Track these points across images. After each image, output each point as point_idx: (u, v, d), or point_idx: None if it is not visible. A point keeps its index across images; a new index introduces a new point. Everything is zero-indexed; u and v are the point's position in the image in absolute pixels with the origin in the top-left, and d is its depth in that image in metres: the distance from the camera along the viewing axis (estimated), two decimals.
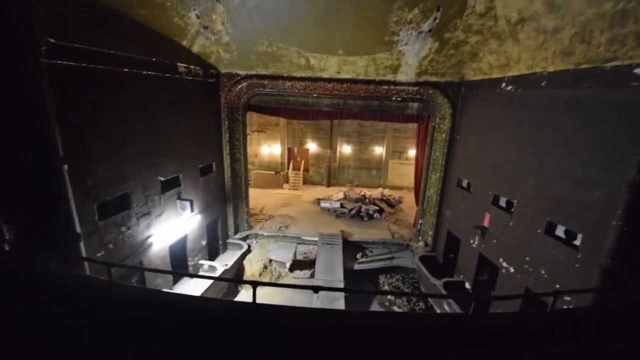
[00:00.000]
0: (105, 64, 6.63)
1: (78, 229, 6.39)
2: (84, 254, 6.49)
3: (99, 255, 6.98)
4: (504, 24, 7.54)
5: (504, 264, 8.56)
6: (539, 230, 7.41)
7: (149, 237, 8.35)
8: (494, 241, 8.95)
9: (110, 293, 3.29)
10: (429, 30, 8.32)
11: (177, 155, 9.24)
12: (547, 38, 6.82)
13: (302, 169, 20.65)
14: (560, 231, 7.14)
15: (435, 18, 7.93)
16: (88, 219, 6.65)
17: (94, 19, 6.32)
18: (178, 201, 9.27)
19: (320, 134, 20.31)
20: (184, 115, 9.56)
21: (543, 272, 7.34)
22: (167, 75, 8.56)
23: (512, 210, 8.37)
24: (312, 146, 20.75)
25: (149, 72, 7.89)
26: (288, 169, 20.99)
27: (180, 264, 10.27)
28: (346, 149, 20.57)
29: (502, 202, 8.95)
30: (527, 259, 7.76)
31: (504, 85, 8.62)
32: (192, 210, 9.35)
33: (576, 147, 6.50)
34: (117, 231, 7.42)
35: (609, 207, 5.78)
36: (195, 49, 9.46)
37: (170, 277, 9.36)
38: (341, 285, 10.39)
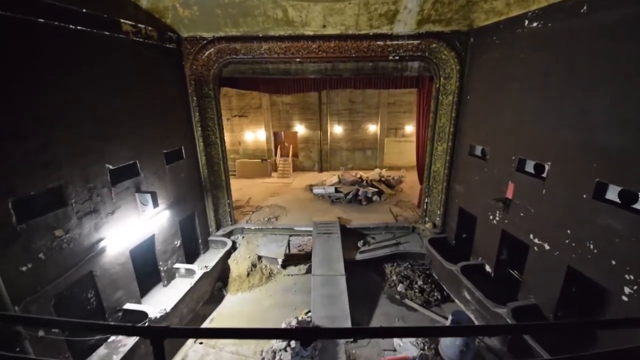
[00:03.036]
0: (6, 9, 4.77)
1: None
2: None
3: (23, 269, 5.24)
4: None
5: (536, 241, 7.14)
6: (585, 195, 5.96)
7: (99, 240, 6.61)
8: (521, 215, 7.51)
9: None
10: None
11: (131, 138, 7.42)
12: None
13: (290, 154, 18.92)
14: (613, 194, 5.70)
15: None
16: None
17: None
18: (137, 194, 7.51)
19: (308, 115, 18.54)
20: (139, 88, 7.72)
21: (592, 246, 5.92)
22: (106, 33, 6.68)
23: (545, 175, 6.91)
24: (300, 129, 18.98)
25: (78, 27, 6.02)
26: (275, 155, 19.24)
27: (150, 270, 8.58)
28: (337, 130, 18.88)
29: (530, 166, 7.48)
30: (568, 232, 6.34)
31: (527, 22, 7.03)
32: (155, 204, 7.61)
33: (637, 81, 5.00)
34: (50, 236, 5.66)
35: None
36: (144, 3, 7.57)
37: (135, 287, 7.66)
38: (343, 279, 8.88)
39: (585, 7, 5.75)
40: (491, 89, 8.39)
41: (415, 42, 9.20)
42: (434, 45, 9.19)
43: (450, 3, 7.95)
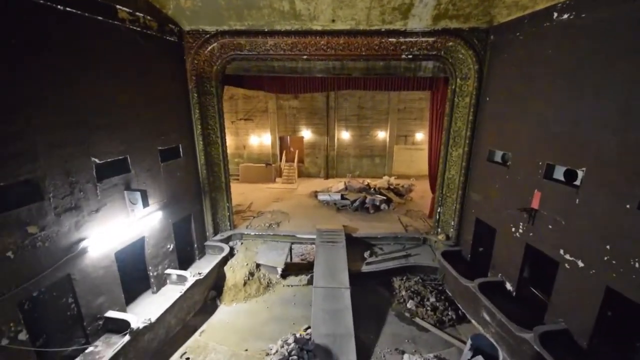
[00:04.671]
0: None
1: None
2: None
3: None
4: None
5: (567, 257, 6.31)
6: (628, 205, 5.17)
7: (80, 240, 6.02)
8: (550, 227, 6.70)
9: None
10: None
11: (122, 132, 6.91)
12: None
13: (296, 160, 18.36)
14: None
15: None
16: None
17: None
18: (126, 192, 6.95)
19: (315, 119, 18.03)
20: (134, 80, 7.26)
21: (637, 264, 5.09)
22: (99, 18, 6.26)
23: (578, 182, 6.13)
24: (306, 134, 18.45)
25: (66, 8, 5.59)
26: (280, 160, 18.70)
27: (138, 275, 7.94)
28: (345, 135, 18.29)
29: (559, 173, 6.70)
30: (607, 247, 5.52)
31: (556, 15, 6.38)
32: (145, 204, 7.02)
33: None
34: (22, 233, 5.09)
35: None
36: None
37: (120, 293, 7.01)
38: (347, 292, 8.08)
39: None
40: (514, 89, 7.70)
41: (431, 39, 8.61)
42: (451, 43, 8.59)
43: None
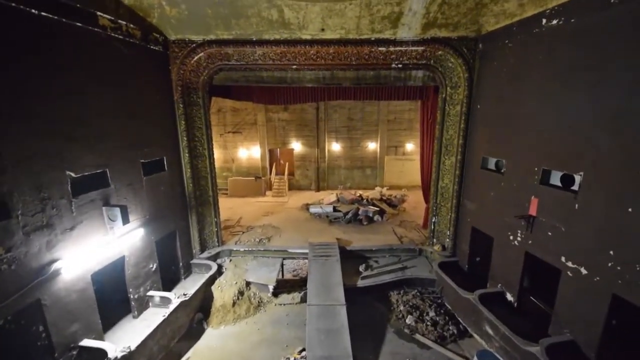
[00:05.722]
0: None
1: None
2: None
3: None
4: None
5: (569, 264, 6.12)
6: (630, 209, 5.05)
7: (52, 262, 5.48)
8: (549, 234, 6.53)
9: None
10: None
11: (101, 143, 6.49)
12: None
13: (286, 172, 18.04)
14: None
15: None
16: None
17: None
18: (104, 208, 6.46)
19: (305, 131, 17.86)
20: (115, 90, 6.90)
21: None
22: (79, 25, 5.95)
23: (577, 187, 6.02)
24: (296, 146, 18.23)
25: (42, 13, 5.27)
26: (270, 173, 18.34)
27: (118, 298, 7.35)
28: (335, 147, 18.15)
29: (556, 178, 6.61)
30: (611, 253, 5.36)
31: (545, 21, 6.43)
32: (125, 220, 6.53)
33: None
34: None
35: None
36: None
37: (96, 319, 6.40)
38: (343, 310, 7.64)
39: None
40: (505, 95, 7.69)
41: (420, 48, 8.61)
42: (440, 52, 8.61)
43: (458, 5, 7.41)
